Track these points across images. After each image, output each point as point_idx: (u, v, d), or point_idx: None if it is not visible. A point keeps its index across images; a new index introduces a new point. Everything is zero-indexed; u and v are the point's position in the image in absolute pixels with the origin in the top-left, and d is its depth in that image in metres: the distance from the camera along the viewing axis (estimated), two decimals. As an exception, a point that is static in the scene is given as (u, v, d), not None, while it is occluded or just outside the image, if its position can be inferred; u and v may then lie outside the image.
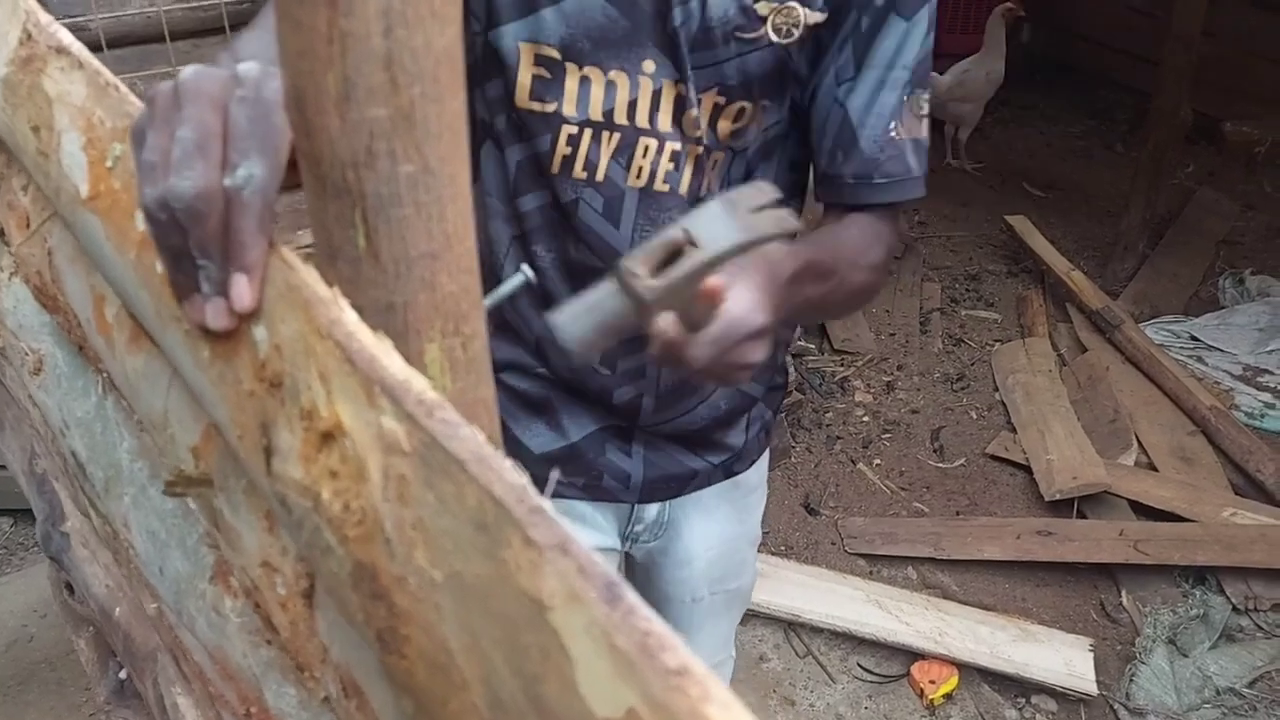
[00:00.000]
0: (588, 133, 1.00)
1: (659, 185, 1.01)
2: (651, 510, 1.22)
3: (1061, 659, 2.20)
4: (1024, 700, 2.21)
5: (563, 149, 1.01)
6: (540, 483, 0.41)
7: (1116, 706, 2.17)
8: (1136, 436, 2.76)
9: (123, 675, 1.49)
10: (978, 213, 4.02)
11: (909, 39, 0.99)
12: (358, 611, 0.47)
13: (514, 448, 1.14)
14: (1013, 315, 3.45)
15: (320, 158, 0.49)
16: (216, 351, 0.57)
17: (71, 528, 1.30)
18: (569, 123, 1.00)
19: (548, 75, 0.98)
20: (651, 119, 0.99)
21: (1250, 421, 2.84)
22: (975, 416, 3.03)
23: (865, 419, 3.04)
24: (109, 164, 0.68)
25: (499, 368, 1.11)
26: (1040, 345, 3.18)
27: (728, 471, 1.23)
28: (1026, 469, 2.75)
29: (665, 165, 1.01)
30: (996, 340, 3.33)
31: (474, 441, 0.42)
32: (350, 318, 0.49)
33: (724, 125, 1.01)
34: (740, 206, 0.79)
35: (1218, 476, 2.65)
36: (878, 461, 2.88)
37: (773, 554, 2.50)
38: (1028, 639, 2.24)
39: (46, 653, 2.24)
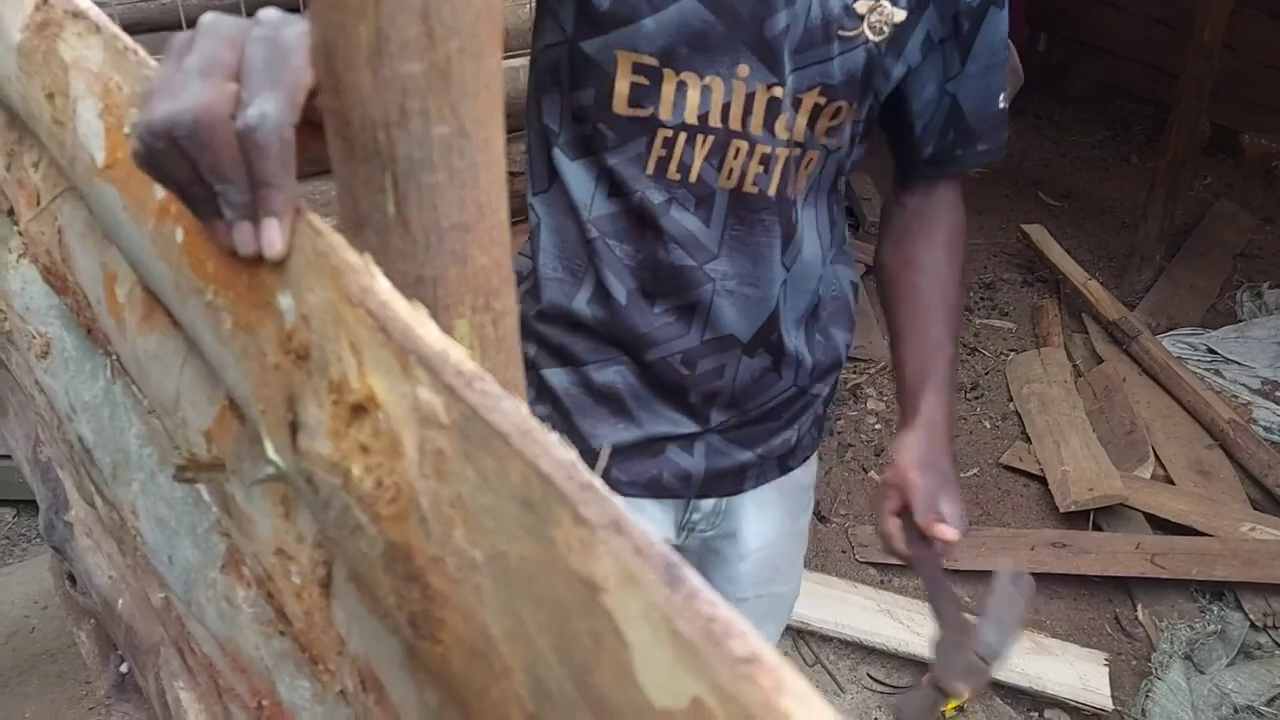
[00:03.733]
0: (683, 136, 1.01)
1: (748, 187, 1.04)
2: (709, 501, 1.23)
3: (1076, 673, 2.16)
4: (1037, 714, 2.17)
5: (658, 152, 1.02)
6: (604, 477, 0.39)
7: (1132, 722, 2.14)
8: (1153, 449, 2.73)
9: (124, 669, 1.46)
10: (993, 221, 3.99)
11: (1003, 19, 1.06)
12: (389, 595, 0.44)
13: (576, 440, 1.13)
14: (1028, 325, 3.42)
15: (349, 118, 0.46)
16: (240, 323, 0.54)
17: (75, 517, 1.27)
18: (665, 127, 1.01)
19: (645, 82, 0.99)
20: (744, 122, 1.01)
21: (1269, 436, 2.80)
22: (989, 426, 3.00)
23: (878, 426, 3.00)
24: (126, 130, 0.65)
25: (577, 360, 1.11)
26: (1056, 355, 3.14)
27: (783, 467, 1.24)
28: (1041, 480, 2.71)
29: (755, 168, 1.03)
30: (1011, 350, 3.30)
31: (517, 414, 0.40)
32: (383, 285, 0.46)
33: (822, 124, 1.04)
34: (1011, 618, 1.07)
35: (1236, 491, 2.62)
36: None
37: (783, 561, 2.46)
38: (1041, 652, 2.21)
39: (47, 645, 2.21)
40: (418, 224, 0.48)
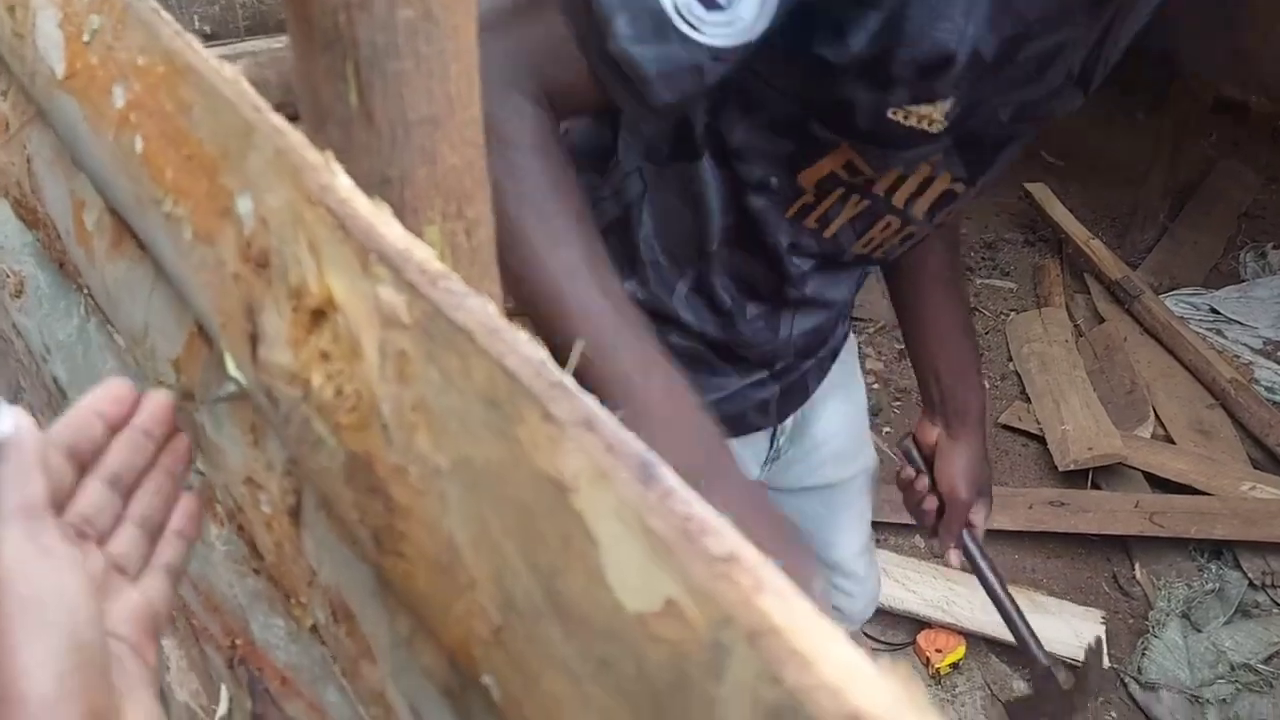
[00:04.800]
0: (839, 191, 0.90)
1: (877, 255, 0.99)
2: (788, 420, 1.25)
3: (1072, 631, 2.14)
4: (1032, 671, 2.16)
5: (807, 197, 0.91)
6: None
7: (1128, 680, 2.12)
8: (1154, 409, 2.70)
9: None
10: (994, 181, 3.93)
11: None
12: (351, 510, 0.42)
13: None
14: (1029, 284, 3.38)
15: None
16: (199, 233, 0.51)
17: (56, 462, 1.24)
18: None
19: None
20: (909, 202, 0.92)
21: (1270, 396, 2.77)
22: (988, 386, 2.97)
23: (875, 386, 2.97)
24: (85, 39, 0.62)
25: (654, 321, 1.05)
26: (1057, 315, 3.11)
27: (833, 356, 1.26)
28: (1040, 439, 2.69)
29: (892, 241, 0.97)
30: (1012, 310, 3.26)
31: (483, 312, 0.37)
32: (343, 183, 0.43)
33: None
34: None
35: (1236, 450, 2.59)
36: (887, 429, 2.82)
37: (779, 519, 2.44)
38: (1038, 610, 2.19)
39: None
40: (382, 116, 0.44)
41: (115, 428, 0.49)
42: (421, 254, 0.40)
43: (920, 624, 2.19)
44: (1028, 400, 2.83)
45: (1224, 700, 2.06)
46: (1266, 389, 2.80)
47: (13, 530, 0.40)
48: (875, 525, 2.46)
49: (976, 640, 2.18)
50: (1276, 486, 2.42)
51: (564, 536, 0.31)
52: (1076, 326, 3.12)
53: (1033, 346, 2.98)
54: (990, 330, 3.20)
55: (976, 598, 2.20)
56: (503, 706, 0.34)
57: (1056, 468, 2.54)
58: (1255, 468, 2.54)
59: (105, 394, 0.49)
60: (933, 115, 0.78)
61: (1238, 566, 2.30)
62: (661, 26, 0.66)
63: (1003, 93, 0.81)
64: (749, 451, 1.23)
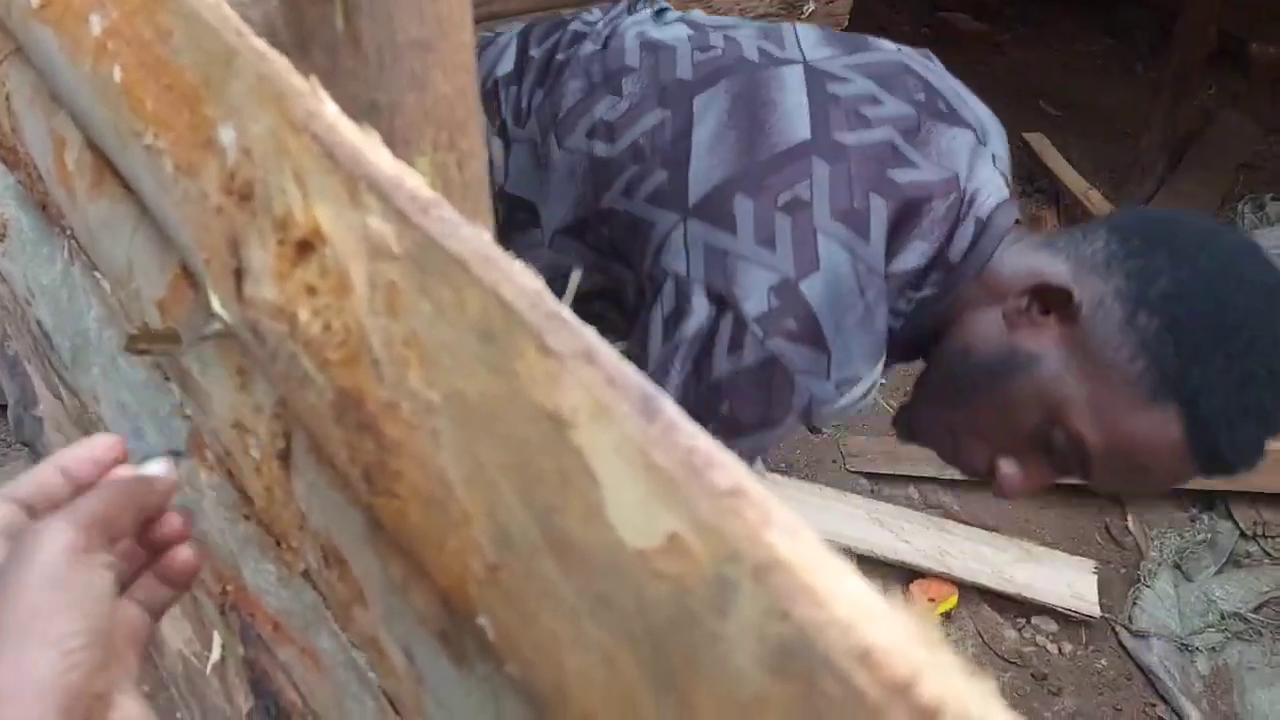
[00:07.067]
0: None
1: None
2: None
3: (1064, 580, 2.16)
4: (1024, 621, 2.17)
5: None
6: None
7: (1119, 629, 2.14)
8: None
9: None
10: (991, 132, 3.89)
11: None
12: (341, 448, 0.40)
13: None
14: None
15: (295, -83, 0.41)
16: (181, 166, 0.49)
17: (44, 411, 1.23)
18: None
19: None
20: None
21: (1265, 348, 2.77)
22: (983, 338, 2.96)
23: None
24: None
25: None
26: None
27: None
28: (1034, 391, 2.69)
29: None
30: (1007, 260, 3.25)
31: (478, 240, 0.35)
32: (330, 109, 0.41)
33: None
34: None
35: (1230, 402, 2.60)
36: (883, 380, 2.81)
37: (773, 471, 2.44)
38: (1030, 560, 2.20)
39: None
40: (370, 39, 0.43)
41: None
42: (413, 182, 0.38)
43: (913, 574, 2.20)
44: (1023, 352, 2.82)
45: (1213, 648, 2.07)
46: (1261, 341, 2.80)
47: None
48: (870, 477, 2.47)
49: (969, 590, 2.19)
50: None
51: (562, 472, 0.30)
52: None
53: (1028, 298, 2.96)
54: (986, 282, 3.19)
55: (971, 548, 2.21)
56: (499, 646, 0.33)
57: (1051, 419, 2.53)
58: (1249, 419, 2.54)
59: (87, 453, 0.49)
60: None
61: (1229, 516, 2.31)
62: None
63: None
64: None
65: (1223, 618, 2.12)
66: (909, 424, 0.98)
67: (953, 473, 2.40)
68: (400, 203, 0.37)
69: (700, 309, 0.78)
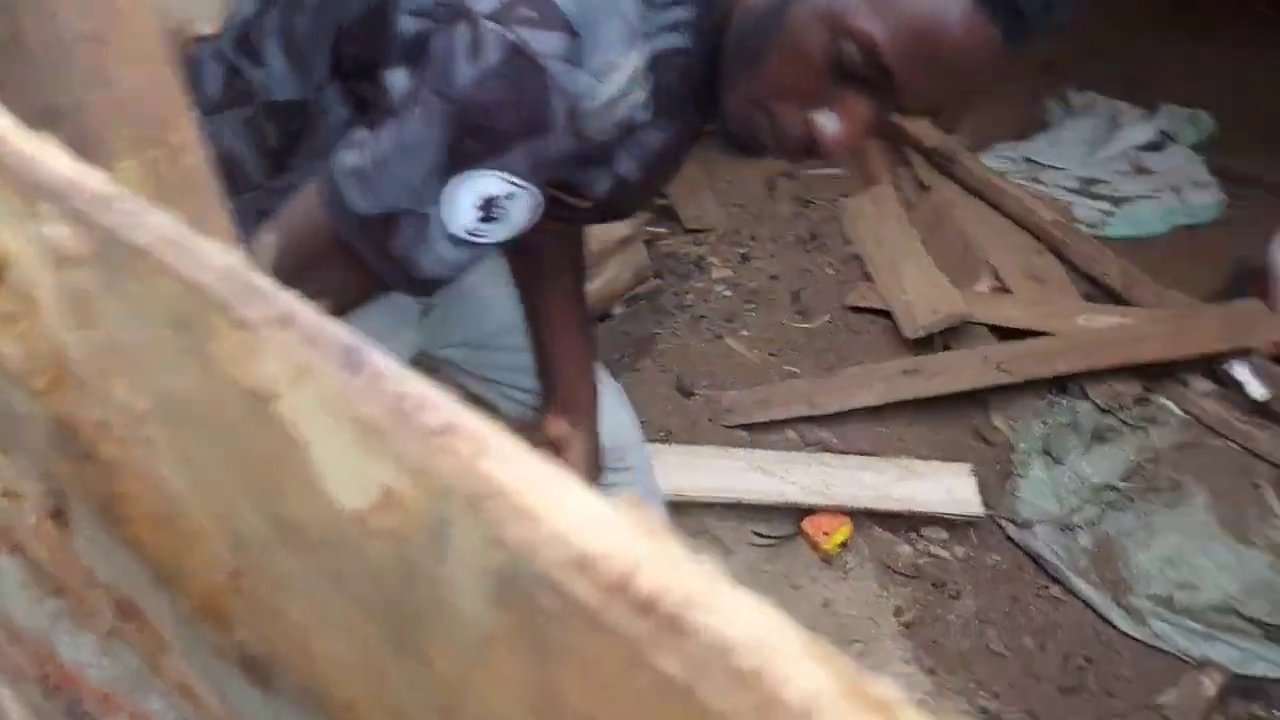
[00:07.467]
0: None
1: None
2: None
3: (944, 488, 2.22)
4: (915, 534, 2.23)
5: None
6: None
7: (1003, 523, 2.22)
8: (989, 263, 2.79)
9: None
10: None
11: None
12: (76, 486, 0.37)
13: None
14: (855, 168, 3.44)
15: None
16: None
17: None
18: None
19: None
20: None
21: (1092, 230, 2.90)
22: (832, 273, 3.02)
23: (726, 293, 2.99)
24: None
25: None
26: (884, 192, 3.17)
27: None
28: (887, 314, 2.75)
29: None
30: (843, 195, 3.31)
31: (166, 225, 0.32)
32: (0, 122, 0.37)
33: None
34: None
35: (1068, 288, 2.71)
36: (744, 333, 2.84)
37: (652, 440, 2.44)
38: (910, 475, 2.26)
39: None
40: (36, 38, 0.39)
41: None
42: (94, 181, 0.35)
43: (803, 512, 2.23)
44: (871, 279, 2.89)
45: (1092, 523, 2.17)
46: (1087, 225, 2.93)
47: None
48: (748, 428, 2.50)
49: (859, 516, 2.23)
50: (1108, 314, 2.54)
51: (272, 451, 0.27)
52: (905, 199, 3.19)
53: (866, 225, 3.03)
54: (826, 218, 3.25)
55: (853, 476, 2.25)
56: (265, 660, 0.30)
57: (907, 339, 2.60)
58: (1087, 300, 2.66)
59: None
60: (583, 203, 0.96)
61: (1086, 397, 2.41)
62: (447, 237, 0.82)
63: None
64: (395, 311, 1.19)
65: (1096, 491, 2.22)
66: (725, 125, 0.98)
67: (824, 408, 2.45)
68: (79, 203, 0.33)
69: (437, 32, 0.79)
